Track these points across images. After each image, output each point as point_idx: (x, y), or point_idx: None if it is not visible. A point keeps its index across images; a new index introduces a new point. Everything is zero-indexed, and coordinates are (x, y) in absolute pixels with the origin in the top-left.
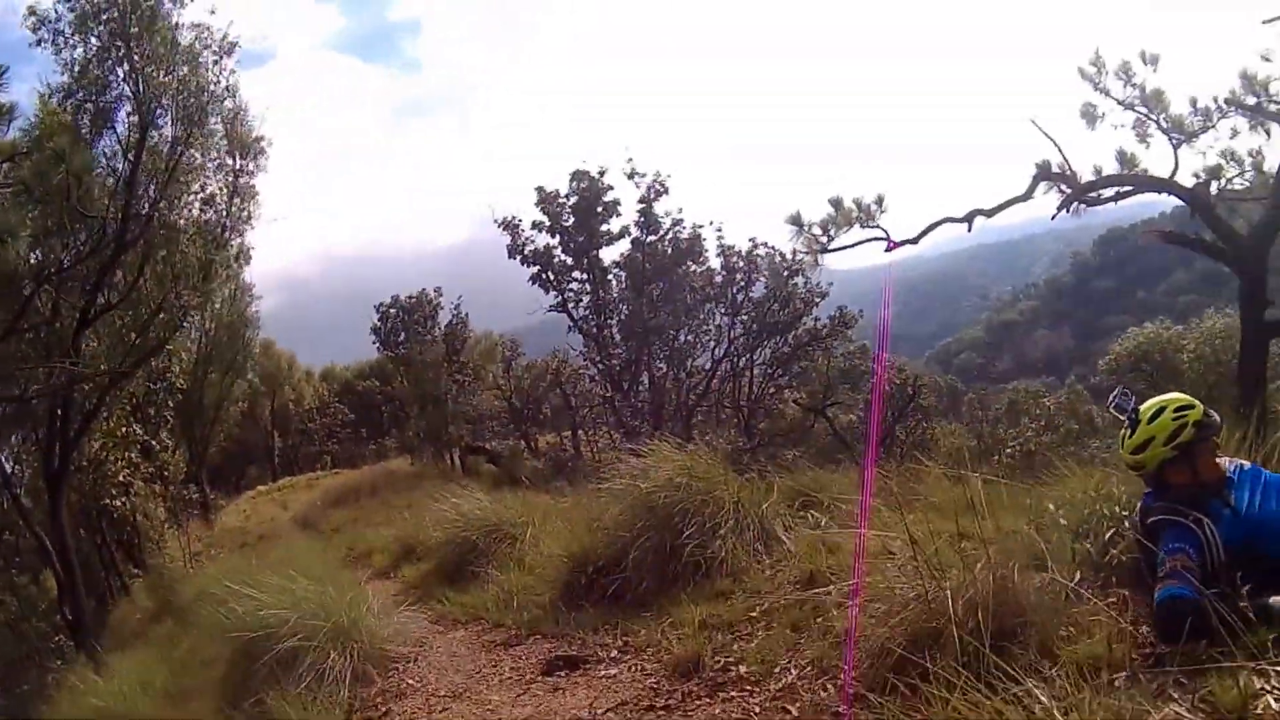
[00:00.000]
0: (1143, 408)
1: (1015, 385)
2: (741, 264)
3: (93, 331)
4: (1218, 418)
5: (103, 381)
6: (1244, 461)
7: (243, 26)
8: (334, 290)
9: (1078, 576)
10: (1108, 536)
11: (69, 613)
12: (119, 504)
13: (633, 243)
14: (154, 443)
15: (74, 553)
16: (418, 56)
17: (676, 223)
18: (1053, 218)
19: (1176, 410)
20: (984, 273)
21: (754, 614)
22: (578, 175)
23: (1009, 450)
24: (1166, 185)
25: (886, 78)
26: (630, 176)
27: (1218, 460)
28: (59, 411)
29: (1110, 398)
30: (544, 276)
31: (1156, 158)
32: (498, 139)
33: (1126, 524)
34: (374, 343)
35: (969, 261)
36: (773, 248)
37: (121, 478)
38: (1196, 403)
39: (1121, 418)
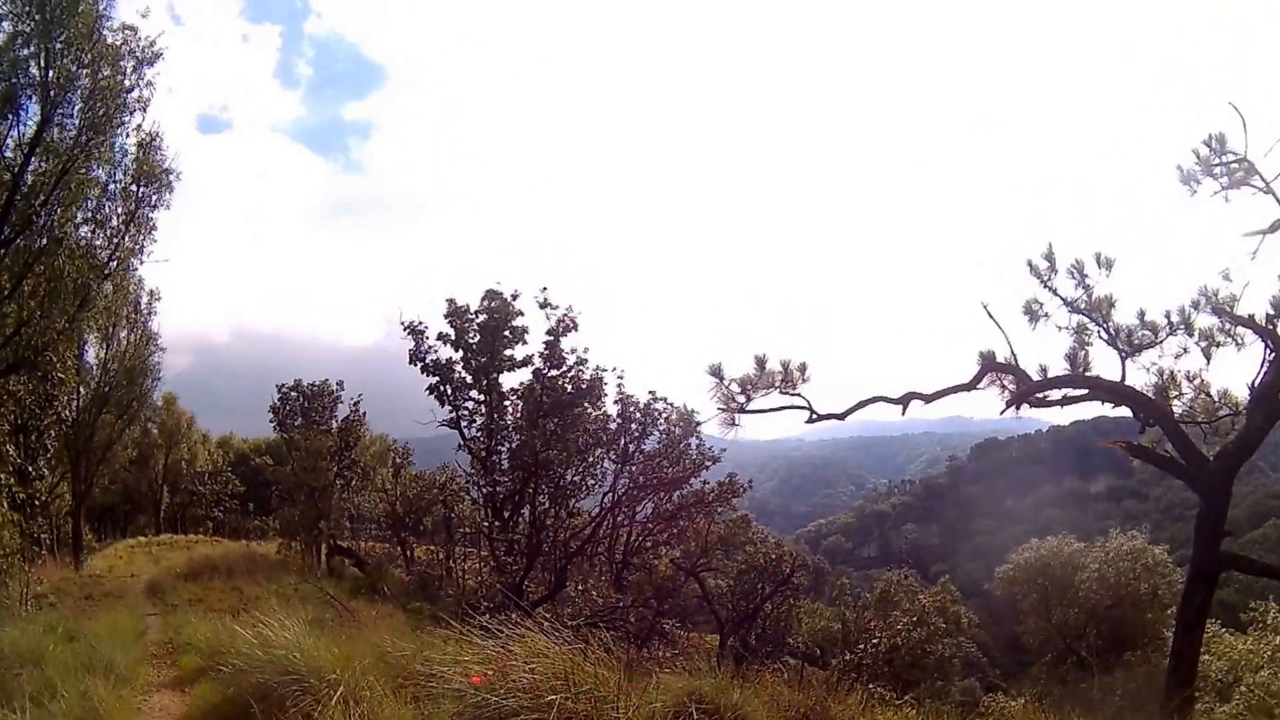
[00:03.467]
0: None
1: (889, 575)
2: (638, 415)
3: None
4: None
5: None
6: None
7: (211, 93)
8: (241, 363)
9: None
10: None
11: None
12: None
13: (534, 373)
14: (30, 469)
15: None
16: (361, 159)
17: (581, 361)
18: (1001, 413)
19: None
20: (861, 464)
21: None
22: (490, 294)
23: (875, 642)
24: (1125, 393)
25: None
26: (543, 306)
27: None
28: None
29: None
30: (441, 389)
31: (1099, 367)
32: (424, 252)
33: None
34: (271, 422)
35: (849, 451)
36: (671, 404)
37: None
38: None
39: None
